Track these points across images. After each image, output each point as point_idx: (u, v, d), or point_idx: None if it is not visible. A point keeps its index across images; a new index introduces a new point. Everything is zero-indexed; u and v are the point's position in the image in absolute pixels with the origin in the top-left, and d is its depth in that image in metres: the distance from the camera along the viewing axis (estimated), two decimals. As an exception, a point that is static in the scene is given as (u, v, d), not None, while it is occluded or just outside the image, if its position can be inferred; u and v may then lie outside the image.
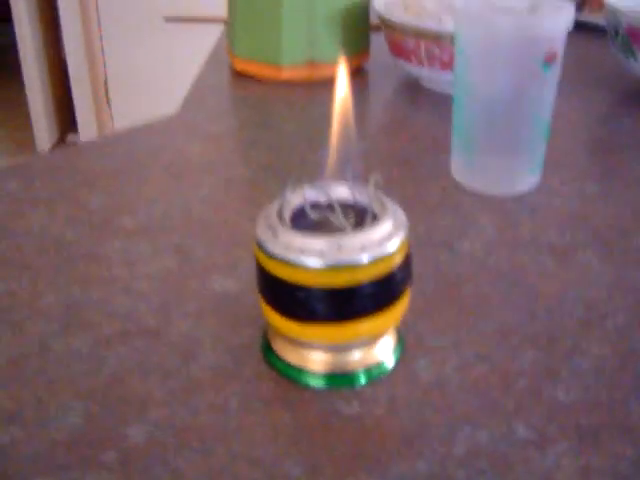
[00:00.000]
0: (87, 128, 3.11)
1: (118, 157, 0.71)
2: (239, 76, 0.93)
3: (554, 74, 0.61)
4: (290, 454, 0.39)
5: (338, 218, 0.42)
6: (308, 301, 0.41)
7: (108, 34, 2.90)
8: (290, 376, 0.44)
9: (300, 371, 0.44)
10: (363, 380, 0.44)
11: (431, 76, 0.87)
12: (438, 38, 0.82)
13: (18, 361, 0.46)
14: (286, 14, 0.87)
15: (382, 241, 0.40)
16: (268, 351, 0.46)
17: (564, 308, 0.51)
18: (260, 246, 0.42)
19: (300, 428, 0.41)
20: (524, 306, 0.51)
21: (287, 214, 0.43)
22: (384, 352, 0.45)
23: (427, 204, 0.64)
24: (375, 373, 0.44)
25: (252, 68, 0.92)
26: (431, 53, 0.83)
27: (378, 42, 0.96)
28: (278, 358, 0.45)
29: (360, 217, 0.42)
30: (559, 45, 0.60)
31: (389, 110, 0.88)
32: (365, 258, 0.40)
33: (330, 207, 0.43)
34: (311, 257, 0.39)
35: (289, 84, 0.90)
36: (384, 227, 0.41)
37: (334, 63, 0.89)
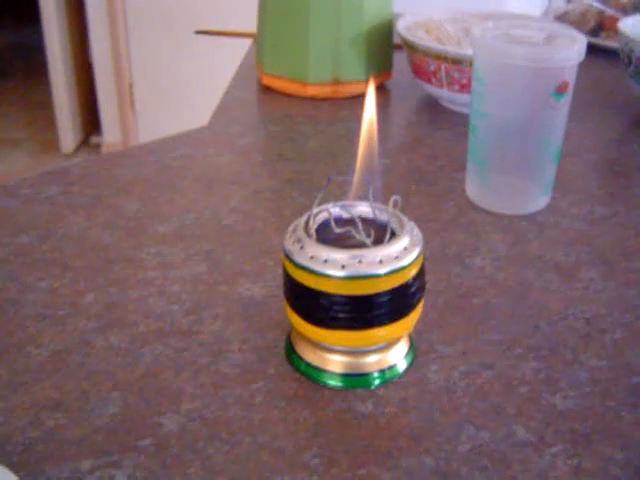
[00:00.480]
0: (111, 131, 3.17)
1: (151, 166, 0.76)
2: (266, 91, 0.98)
3: (566, 102, 0.65)
4: (309, 446, 0.43)
5: (360, 233, 0.46)
6: (330, 308, 0.45)
7: (135, 39, 2.95)
8: (311, 376, 0.48)
9: (320, 371, 0.48)
10: (377, 382, 0.48)
11: (450, 97, 0.91)
12: (458, 62, 0.85)
13: (61, 355, 0.50)
14: (313, 33, 0.91)
15: (399, 255, 0.44)
16: (291, 352, 0.50)
17: (566, 322, 0.55)
18: (288, 256, 0.46)
19: (319, 423, 0.45)
20: (528, 319, 0.55)
21: (313, 228, 0.47)
22: (397, 357, 0.49)
23: (442, 220, 0.68)
24: (388, 376, 0.48)
25: (279, 84, 0.96)
26: (451, 75, 0.87)
27: (401, 60, 1.00)
28: (300, 359, 0.49)
29: (380, 233, 0.46)
30: (571, 75, 0.64)
31: (409, 128, 0.92)
32: (383, 270, 0.44)
33: (353, 223, 0.47)
34: (334, 268, 0.44)
35: (314, 100, 0.94)
36: (401, 243, 0.45)
37: (358, 81, 0.94)
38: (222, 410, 0.46)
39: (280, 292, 0.50)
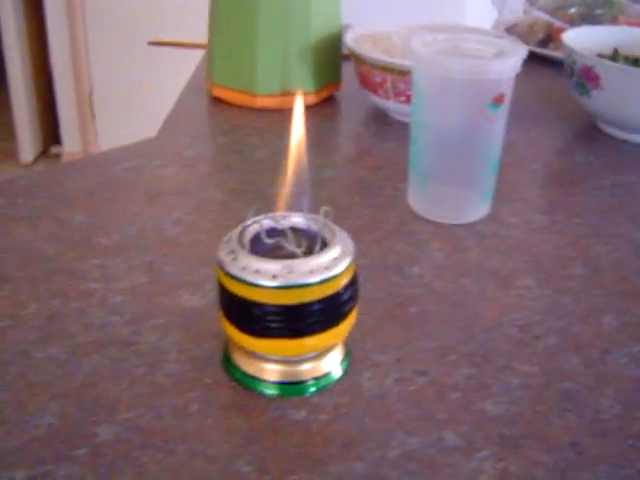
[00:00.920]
0: (71, 141, 3.15)
1: (98, 178, 0.76)
2: (216, 102, 0.98)
3: (502, 114, 0.66)
4: (242, 454, 0.44)
5: (290, 244, 0.47)
6: (263, 318, 0.46)
7: (95, 49, 2.94)
8: (246, 384, 0.49)
9: (255, 380, 0.49)
10: (312, 389, 0.49)
11: (397, 108, 0.92)
12: (404, 73, 0.87)
13: (0, 366, 0.50)
14: (261, 45, 0.92)
15: (329, 265, 0.45)
16: (227, 362, 0.50)
17: (500, 330, 0.56)
18: (221, 267, 0.46)
19: (253, 431, 0.46)
20: (463, 327, 0.56)
21: (247, 239, 0.48)
22: (332, 365, 0.50)
23: (384, 230, 0.69)
24: (323, 383, 0.49)
25: (228, 95, 0.97)
26: (397, 87, 0.89)
27: (351, 72, 1.01)
28: (236, 368, 0.50)
29: (312, 243, 0.47)
30: (507, 87, 0.65)
31: (356, 139, 0.93)
32: (313, 280, 0.45)
33: (284, 234, 0.48)
34: (265, 278, 0.44)
35: (263, 112, 0.95)
36: (331, 253, 0.46)
37: (307, 93, 0.95)
38: (157, 419, 0.46)
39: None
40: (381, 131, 0.93)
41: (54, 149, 3.30)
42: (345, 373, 0.51)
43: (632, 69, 0.88)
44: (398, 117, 0.94)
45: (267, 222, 0.49)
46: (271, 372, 0.49)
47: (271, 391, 0.49)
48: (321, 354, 0.49)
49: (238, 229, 0.48)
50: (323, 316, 0.46)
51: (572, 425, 0.48)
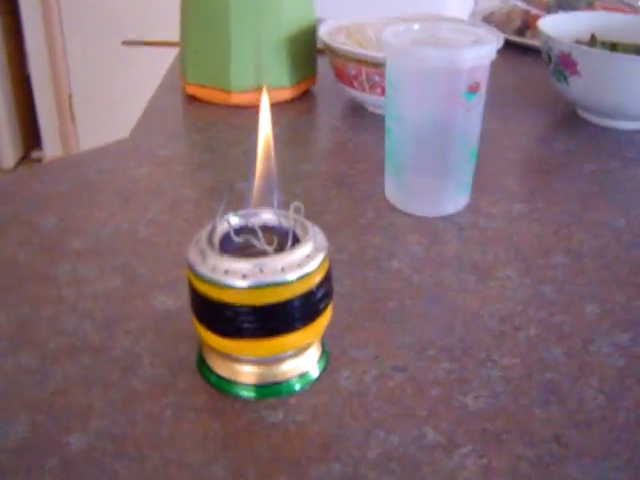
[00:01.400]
0: (52, 144, 3.13)
1: (70, 180, 0.75)
2: (190, 100, 0.97)
3: (478, 102, 0.65)
4: (217, 459, 0.43)
5: (260, 242, 0.45)
6: (235, 319, 0.44)
7: (73, 51, 2.92)
8: (222, 388, 0.48)
9: (231, 383, 0.48)
10: (289, 390, 0.48)
11: (373, 101, 0.91)
12: (378, 65, 0.86)
13: (-31, 376, 0.49)
14: (234, 41, 0.91)
15: (301, 262, 0.44)
16: (202, 365, 0.49)
17: (480, 322, 0.55)
18: (191, 268, 0.45)
19: (228, 435, 0.45)
20: (443, 320, 0.55)
21: (216, 238, 0.47)
22: (309, 363, 0.49)
23: (361, 224, 0.68)
24: (301, 383, 0.48)
25: (202, 92, 0.96)
26: (372, 79, 0.88)
27: (326, 65, 1.00)
28: (211, 371, 0.49)
29: (284, 240, 0.46)
30: (482, 76, 0.64)
31: (333, 133, 0.92)
32: (285, 278, 0.44)
33: (255, 232, 0.46)
34: (236, 278, 0.43)
35: (238, 108, 0.93)
36: (304, 249, 0.45)
37: (282, 87, 0.94)
38: (131, 426, 0.45)
39: (192, 304, 0.50)
40: (358, 124, 0.92)
41: (35, 154, 3.28)
42: (323, 372, 0.50)
43: (610, 54, 0.88)
44: (374, 110, 0.93)
45: (237, 220, 0.48)
46: (246, 374, 0.48)
47: (247, 393, 0.48)
48: (297, 353, 0.48)
49: (208, 228, 0.47)
50: (297, 314, 0.45)
51: (555, 417, 0.47)
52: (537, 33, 1.17)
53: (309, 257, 0.45)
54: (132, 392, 0.48)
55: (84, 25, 2.84)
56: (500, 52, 0.65)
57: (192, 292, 0.46)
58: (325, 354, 0.51)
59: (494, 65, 0.65)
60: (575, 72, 0.88)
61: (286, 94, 0.95)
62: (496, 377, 0.50)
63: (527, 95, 1.03)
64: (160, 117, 0.93)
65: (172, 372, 0.50)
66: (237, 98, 0.94)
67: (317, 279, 0.45)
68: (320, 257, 0.45)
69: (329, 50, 0.92)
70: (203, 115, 0.92)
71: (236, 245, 0.47)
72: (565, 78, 0.90)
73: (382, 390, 0.48)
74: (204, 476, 0.42)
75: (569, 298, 0.58)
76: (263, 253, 0.45)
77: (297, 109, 0.95)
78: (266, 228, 0.48)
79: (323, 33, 0.94)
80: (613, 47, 0.97)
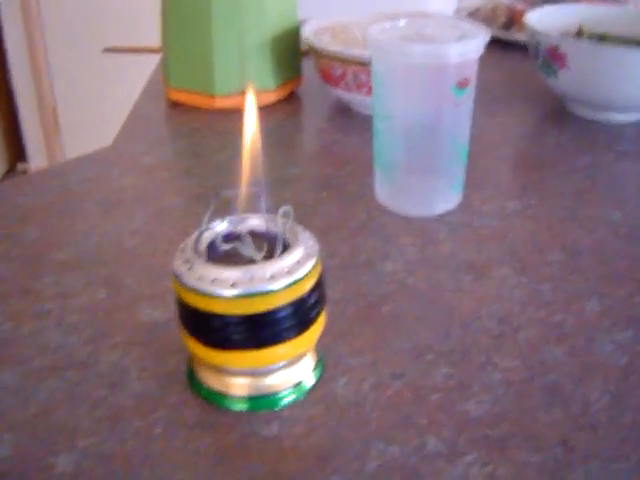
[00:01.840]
0: (37, 157, 3.10)
1: (52, 191, 0.73)
2: (174, 106, 0.95)
3: (468, 98, 0.64)
4: (210, 476, 0.41)
5: (249, 249, 0.44)
6: (223, 329, 0.43)
7: (55, 62, 2.89)
8: (213, 401, 0.46)
9: (223, 396, 0.46)
10: (283, 402, 0.46)
11: (360, 100, 0.89)
12: (364, 64, 0.84)
13: (-50, 398, 0.47)
14: (216, 44, 0.89)
15: (292, 269, 0.43)
16: (192, 378, 0.47)
17: (478, 324, 0.54)
18: (177, 278, 0.44)
19: (221, 451, 0.43)
20: (440, 323, 0.54)
21: (203, 246, 0.45)
22: (303, 373, 0.47)
23: (352, 227, 0.66)
24: (295, 394, 0.46)
25: (186, 98, 0.94)
26: (358, 78, 0.86)
27: (311, 66, 0.98)
28: (201, 384, 0.47)
29: (273, 246, 0.44)
30: (470, 71, 0.63)
31: (320, 135, 0.90)
32: (275, 286, 0.42)
33: (243, 238, 0.45)
34: (223, 287, 0.41)
35: (223, 113, 0.92)
36: (294, 256, 0.43)
37: (267, 90, 0.92)
38: (120, 444, 0.43)
39: (179, 316, 0.48)
40: (345, 125, 0.90)
41: (21, 166, 3.25)
42: (318, 381, 0.48)
43: (599, 46, 0.86)
44: (362, 110, 0.92)
45: (224, 227, 0.46)
46: (238, 386, 0.46)
47: (240, 406, 0.46)
48: (291, 363, 0.46)
49: (194, 236, 0.45)
50: (289, 323, 0.43)
51: (560, 420, 0.45)
52: (523, 28, 1.15)
53: (299, 263, 0.43)
54: (120, 408, 0.46)
55: (65, 35, 2.81)
56: (486, 48, 0.63)
57: (179, 303, 0.45)
58: (320, 363, 0.49)
59: (480, 61, 0.64)
60: (564, 65, 0.86)
61: (271, 97, 0.94)
62: (497, 381, 0.48)
63: (514, 91, 1.02)
64: (143, 124, 0.91)
65: (161, 386, 0.48)
66: (221, 102, 0.92)
67: (309, 286, 0.44)
68: (311, 263, 0.44)
69: (314, 51, 0.90)
70: (187, 121, 0.91)
71: (223, 253, 0.45)
72: (554, 72, 0.89)
73: (380, 398, 0.47)
74: (197, 495, 0.40)
75: (568, 296, 0.57)
76: (252, 260, 0.44)
77: (282, 111, 0.93)
78: (254, 234, 0.46)
79: (307, 33, 0.92)
80: (601, 39, 0.96)
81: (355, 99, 0.89)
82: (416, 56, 0.61)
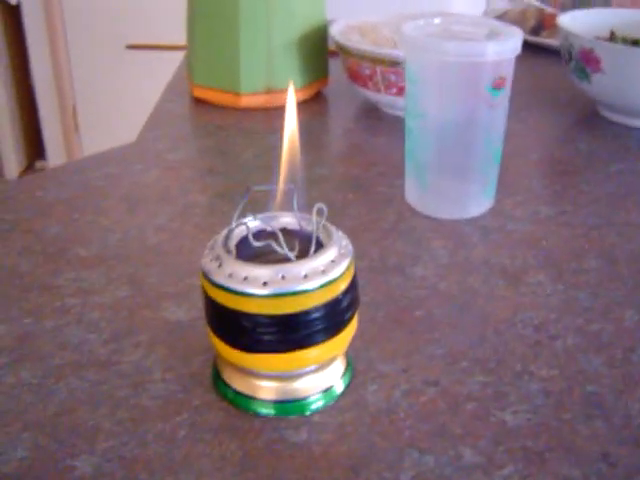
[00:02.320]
0: (56, 155, 3.10)
1: (75, 186, 0.71)
2: (198, 103, 0.94)
3: (503, 99, 0.62)
4: (237, 483, 0.39)
5: (281, 247, 0.42)
6: (253, 330, 0.41)
7: (76, 60, 2.89)
8: (239, 405, 0.44)
9: (249, 399, 0.44)
10: (312, 407, 0.44)
11: (388, 101, 0.87)
12: (394, 64, 0.82)
13: (-33, 394, 0.46)
14: (244, 42, 0.88)
15: (326, 269, 0.41)
16: (218, 380, 0.46)
17: (514, 331, 0.52)
18: (206, 276, 0.42)
19: (247, 457, 0.41)
20: (474, 330, 0.52)
21: (233, 244, 0.43)
22: (333, 378, 0.45)
23: (381, 229, 0.64)
24: (324, 400, 0.45)
25: (211, 95, 0.92)
26: (387, 79, 0.84)
27: (338, 67, 0.97)
28: (227, 387, 0.45)
29: (306, 245, 0.43)
30: (507, 71, 0.61)
31: (348, 135, 0.89)
32: (309, 286, 0.40)
33: (275, 236, 0.43)
34: (255, 286, 0.40)
35: (248, 111, 0.90)
36: (328, 255, 0.41)
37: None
38: (141, 447, 0.42)
39: (206, 315, 0.46)
40: (372, 126, 0.88)
41: (39, 164, 3.25)
42: (348, 387, 0.46)
43: (635, 49, 0.84)
44: (389, 111, 0.90)
45: (255, 224, 0.44)
46: (266, 390, 0.44)
47: (267, 411, 0.44)
48: (321, 367, 0.44)
49: (223, 233, 0.44)
50: (322, 325, 0.42)
51: (601, 433, 0.43)
52: (554, 32, 1.14)
53: (334, 262, 0.41)
54: (142, 410, 0.44)
55: (87, 31, 2.81)
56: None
57: (207, 301, 0.43)
58: (350, 368, 0.47)
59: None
60: (598, 69, 0.84)
61: (297, 96, 0.92)
62: (535, 390, 0.46)
63: (545, 95, 1.00)
64: (167, 121, 0.90)
65: (185, 388, 0.46)
66: (247, 101, 0.90)
67: (342, 287, 0.42)
68: (346, 262, 0.42)
69: (342, 50, 0.89)
70: (211, 118, 0.89)
71: (253, 251, 0.43)
72: (587, 76, 0.87)
73: (413, 406, 0.45)
74: (223, 503, 0.38)
75: (606, 304, 0.55)
76: (284, 259, 0.42)
77: (309, 111, 0.92)
78: (286, 232, 0.44)
79: (335, 32, 0.91)
80: (635, 43, 0.94)
81: (383, 99, 0.88)
82: (451, 54, 0.59)
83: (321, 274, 0.40)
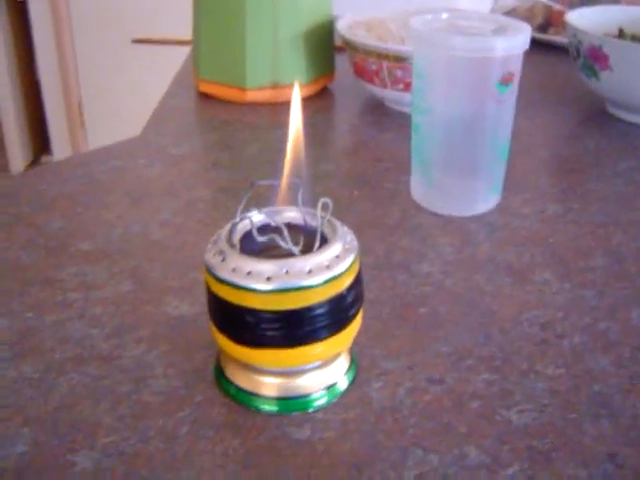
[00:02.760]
0: (61, 150, 3.09)
1: (78, 180, 0.71)
2: (204, 98, 0.93)
3: (511, 95, 0.61)
4: (238, 480, 0.39)
5: (286, 242, 0.41)
6: (257, 325, 0.40)
7: (82, 55, 2.88)
8: (242, 401, 0.44)
9: (252, 396, 0.44)
10: (315, 404, 0.44)
11: (395, 97, 0.87)
12: (400, 59, 0.82)
13: (-32, 388, 0.45)
14: (250, 36, 0.87)
15: (330, 264, 0.40)
16: (220, 376, 0.45)
17: (520, 329, 0.51)
18: (209, 270, 0.41)
19: (250, 454, 0.41)
20: (479, 327, 0.51)
21: (237, 238, 0.43)
22: (337, 375, 0.45)
23: (387, 225, 0.64)
24: (328, 397, 0.44)
25: (216, 90, 0.92)
26: (394, 74, 0.84)
27: (344, 62, 0.96)
28: (230, 383, 0.44)
29: (311, 240, 0.42)
30: (515, 66, 0.60)
31: (353, 131, 0.88)
32: (313, 281, 0.39)
33: (279, 231, 0.42)
34: (258, 281, 0.39)
35: (253, 106, 0.90)
36: (332, 250, 0.41)
37: (299, 85, 0.89)
38: (142, 443, 0.41)
39: (208, 310, 0.46)
40: (378, 122, 0.88)
41: (44, 159, 3.25)
42: (352, 384, 0.45)
43: (643, 47, 0.83)
44: (395, 107, 0.89)
45: (259, 218, 0.44)
46: (269, 386, 0.44)
47: (270, 407, 0.43)
48: (324, 364, 0.44)
49: (227, 227, 0.43)
50: (326, 321, 0.41)
51: (608, 433, 0.43)
52: (561, 29, 1.13)
53: (339, 258, 0.41)
54: (144, 406, 0.44)
55: (93, 26, 2.80)
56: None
57: (210, 296, 0.42)
58: (354, 365, 0.46)
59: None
60: (606, 67, 0.84)
61: (303, 92, 0.91)
62: (541, 389, 0.46)
63: (552, 93, 0.99)
64: (172, 115, 0.89)
65: (187, 384, 0.45)
66: (252, 95, 0.90)
67: (347, 282, 0.41)
68: (351, 258, 0.41)
69: (348, 45, 0.88)
70: (217, 113, 0.89)
71: (257, 246, 0.43)
72: (595, 73, 0.86)
73: (417, 404, 0.44)
74: (224, 500, 0.38)
75: (613, 303, 0.54)
76: (288, 254, 0.41)
77: (314, 107, 0.91)
78: (290, 227, 0.43)
79: (342, 27, 0.90)
80: (644, 41, 0.94)
81: (390, 95, 0.87)
82: (460, 48, 0.58)
83: (325, 269, 0.40)
